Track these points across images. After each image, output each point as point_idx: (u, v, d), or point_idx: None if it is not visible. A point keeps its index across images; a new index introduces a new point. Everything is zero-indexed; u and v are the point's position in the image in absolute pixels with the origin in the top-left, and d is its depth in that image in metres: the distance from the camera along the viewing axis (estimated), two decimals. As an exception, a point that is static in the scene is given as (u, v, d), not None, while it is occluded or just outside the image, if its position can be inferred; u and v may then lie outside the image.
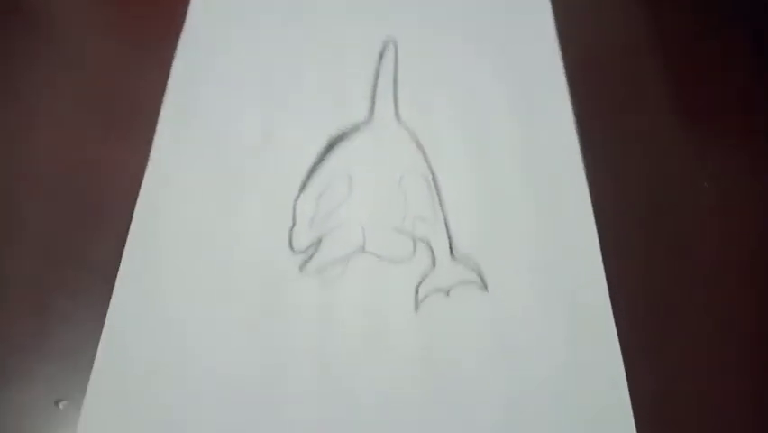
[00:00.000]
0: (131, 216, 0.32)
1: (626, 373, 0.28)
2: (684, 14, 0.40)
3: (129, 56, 0.39)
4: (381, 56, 0.39)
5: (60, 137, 0.36)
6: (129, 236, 0.32)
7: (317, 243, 0.32)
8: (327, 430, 0.28)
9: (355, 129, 0.36)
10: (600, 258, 0.31)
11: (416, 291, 0.31)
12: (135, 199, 0.33)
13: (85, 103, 0.37)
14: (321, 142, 0.35)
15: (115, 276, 0.31)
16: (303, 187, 0.34)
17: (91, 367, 0.28)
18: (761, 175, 0.34)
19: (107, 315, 0.30)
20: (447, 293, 0.31)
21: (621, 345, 0.29)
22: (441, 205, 0.33)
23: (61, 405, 0.28)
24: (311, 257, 0.32)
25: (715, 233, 0.33)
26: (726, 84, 0.37)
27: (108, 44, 0.40)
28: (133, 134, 0.36)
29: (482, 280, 0.31)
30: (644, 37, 0.40)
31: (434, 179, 0.34)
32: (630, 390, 0.28)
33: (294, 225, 0.33)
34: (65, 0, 0.43)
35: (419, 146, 0.35)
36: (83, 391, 0.28)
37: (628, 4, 0.42)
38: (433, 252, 0.32)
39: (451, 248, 0.32)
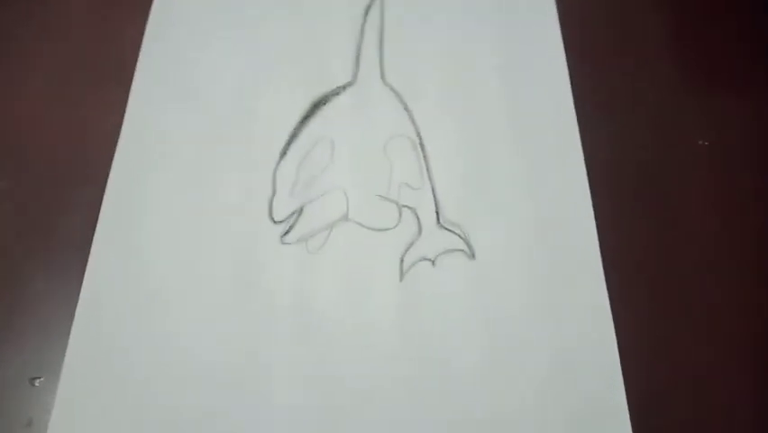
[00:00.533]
0: (104, 186, 0.31)
1: (618, 343, 0.28)
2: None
3: (103, 18, 0.37)
4: (367, 13, 0.37)
5: (30, 104, 0.35)
6: (102, 206, 0.31)
7: (299, 211, 0.31)
8: (309, 401, 0.27)
9: (338, 92, 0.34)
10: (594, 226, 0.30)
11: (401, 261, 0.30)
12: (109, 168, 0.32)
13: (55, 69, 0.36)
14: (302, 106, 0.34)
15: (90, 248, 0.30)
16: (283, 153, 0.33)
17: (66, 343, 0.28)
18: (762, 131, 0.33)
19: (82, 288, 0.29)
20: (433, 262, 0.30)
21: (613, 313, 0.28)
22: (428, 170, 0.32)
23: (37, 382, 0.28)
24: (292, 226, 0.31)
25: (711, 192, 0.31)
26: (727, 38, 0.35)
27: (80, 7, 0.38)
28: (106, 99, 0.34)
29: (470, 248, 0.30)
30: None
31: (421, 144, 0.33)
32: (622, 362, 0.27)
33: (274, 193, 0.32)
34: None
35: (406, 109, 0.34)
36: (59, 369, 0.27)
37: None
38: (419, 219, 0.31)
39: (438, 215, 0.31)
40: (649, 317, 0.28)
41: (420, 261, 0.30)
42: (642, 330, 0.28)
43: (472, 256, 0.30)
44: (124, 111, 0.34)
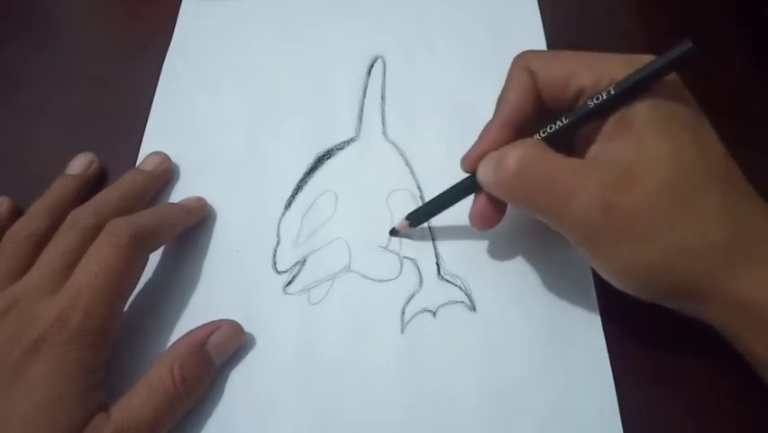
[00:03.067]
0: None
1: (618, 395, 0.28)
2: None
3: (117, 70, 0.39)
4: (369, 73, 0.38)
5: (42, 152, 0.36)
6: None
7: (302, 262, 0.32)
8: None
9: (342, 147, 0.36)
10: (592, 277, 0.31)
11: (403, 312, 0.30)
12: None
13: (69, 117, 0.37)
14: (307, 160, 0.35)
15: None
16: (288, 205, 0.34)
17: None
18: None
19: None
20: (434, 314, 0.30)
21: (612, 366, 0.29)
22: (428, 223, 0.33)
23: None
24: (295, 277, 0.31)
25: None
26: (721, 91, 0.37)
27: (95, 59, 0.40)
28: (118, 150, 0.35)
29: (470, 300, 0.30)
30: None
31: (422, 197, 0.34)
32: (621, 413, 0.27)
33: (278, 244, 0.32)
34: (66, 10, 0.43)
35: (407, 164, 0.35)
36: None
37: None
38: (420, 271, 0.31)
39: (438, 267, 0.32)
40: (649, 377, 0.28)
41: (421, 312, 0.30)
42: (642, 389, 0.28)
43: (473, 309, 0.30)
44: (136, 162, 0.35)
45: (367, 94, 0.38)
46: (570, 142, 0.28)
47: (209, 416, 0.28)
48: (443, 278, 0.31)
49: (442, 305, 0.30)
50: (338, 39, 0.40)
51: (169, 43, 0.40)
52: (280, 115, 0.37)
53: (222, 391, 0.28)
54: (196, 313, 0.30)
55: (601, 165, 0.25)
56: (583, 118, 0.26)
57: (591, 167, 0.25)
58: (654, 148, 0.24)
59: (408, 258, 0.32)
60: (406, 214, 0.32)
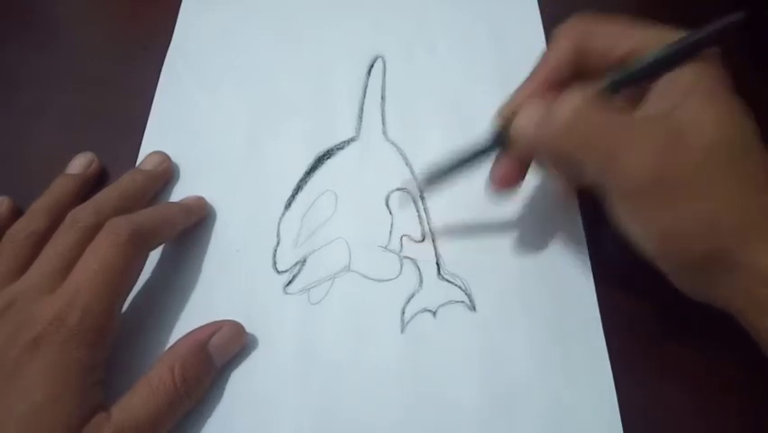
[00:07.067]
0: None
1: (618, 395, 0.28)
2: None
3: (117, 71, 0.39)
4: (369, 72, 0.38)
5: (42, 152, 0.36)
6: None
7: (302, 262, 0.32)
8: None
9: (342, 146, 0.36)
10: (592, 277, 0.31)
11: (403, 312, 0.30)
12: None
13: (68, 117, 0.37)
14: (307, 160, 0.35)
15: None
16: (288, 205, 0.34)
17: None
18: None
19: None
20: (434, 313, 0.30)
21: (612, 367, 0.29)
22: (428, 223, 0.33)
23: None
24: (295, 277, 0.31)
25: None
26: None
27: (95, 59, 0.40)
28: (118, 149, 0.35)
29: (470, 299, 0.31)
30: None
31: (422, 197, 0.34)
32: (621, 412, 0.27)
33: (278, 243, 0.32)
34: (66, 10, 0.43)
35: (407, 164, 0.35)
36: None
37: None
38: (420, 271, 0.31)
39: (438, 267, 0.32)
40: (649, 375, 0.28)
41: (421, 312, 0.30)
42: (643, 389, 0.28)
43: (473, 308, 0.30)
44: (136, 162, 0.35)
45: (367, 94, 0.37)
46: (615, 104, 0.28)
47: (209, 416, 0.28)
48: (443, 278, 0.31)
49: (442, 305, 0.30)
50: (338, 39, 0.40)
51: (169, 43, 0.40)
52: (280, 115, 0.37)
53: (222, 391, 0.28)
54: (196, 313, 0.30)
55: (655, 124, 0.25)
56: (636, 74, 0.26)
57: (645, 125, 0.25)
58: (707, 110, 0.24)
59: (408, 258, 0.32)
60: (423, 173, 0.31)
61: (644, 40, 0.26)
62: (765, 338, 0.24)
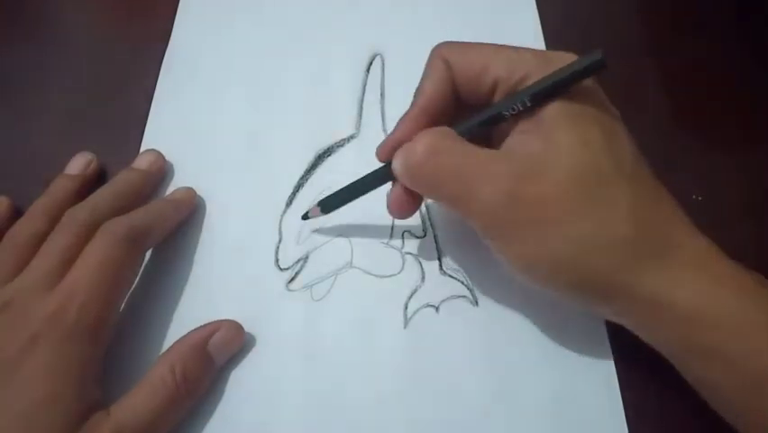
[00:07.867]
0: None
1: (621, 389, 0.28)
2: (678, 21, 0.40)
3: (119, 66, 0.39)
4: (368, 70, 0.38)
5: (45, 141, 0.36)
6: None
7: (304, 259, 0.32)
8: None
9: (342, 144, 0.36)
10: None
11: (405, 307, 0.30)
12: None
13: (70, 108, 0.37)
14: (308, 158, 0.35)
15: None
16: (289, 203, 0.34)
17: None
18: (754, 186, 0.34)
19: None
20: (437, 308, 0.30)
21: (615, 361, 0.29)
22: (429, 219, 0.33)
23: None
24: (297, 274, 0.31)
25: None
26: (723, 92, 0.37)
27: (99, 60, 0.40)
28: (119, 143, 0.36)
29: (473, 294, 0.31)
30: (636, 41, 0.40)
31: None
32: (625, 407, 0.28)
33: (280, 241, 0.32)
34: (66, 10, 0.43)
35: (407, 160, 0.35)
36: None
37: (619, 12, 0.41)
38: (422, 266, 0.31)
39: (440, 262, 0.32)
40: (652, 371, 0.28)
41: (424, 307, 0.30)
42: (644, 383, 0.28)
43: (475, 303, 0.30)
44: (136, 156, 0.35)
45: (366, 91, 0.38)
46: (488, 135, 0.28)
47: (213, 412, 0.28)
48: (445, 273, 0.31)
49: (444, 300, 0.30)
50: (337, 36, 0.40)
51: (168, 43, 0.40)
52: (280, 113, 0.37)
53: (226, 387, 0.28)
54: (198, 311, 0.30)
55: (510, 155, 0.25)
56: (491, 120, 0.26)
57: (500, 157, 0.25)
58: (563, 139, 0.24)
59: (410, 253, 0.32)
60: (318, 200, 0.31)
61: (514, 65, 0.26)
62: (661, 351, 0.25)
